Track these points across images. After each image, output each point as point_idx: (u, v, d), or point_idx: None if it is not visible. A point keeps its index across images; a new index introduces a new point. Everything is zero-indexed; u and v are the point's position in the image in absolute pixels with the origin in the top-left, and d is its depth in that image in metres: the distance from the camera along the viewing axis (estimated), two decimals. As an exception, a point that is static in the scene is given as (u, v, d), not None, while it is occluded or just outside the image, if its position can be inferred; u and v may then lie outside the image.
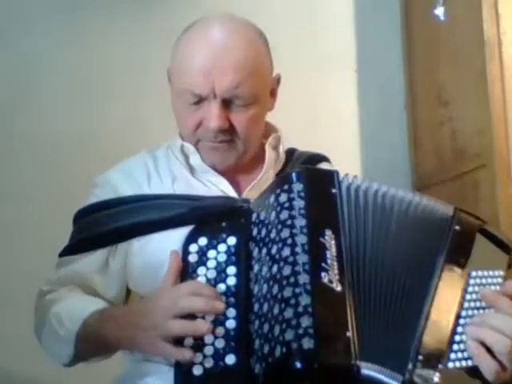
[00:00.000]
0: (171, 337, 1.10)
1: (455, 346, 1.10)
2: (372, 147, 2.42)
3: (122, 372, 1.34)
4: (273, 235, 1.11)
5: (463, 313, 1.13)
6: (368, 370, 1.03)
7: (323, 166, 1.47)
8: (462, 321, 1.12)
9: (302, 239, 1.08)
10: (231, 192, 1.35)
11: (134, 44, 2.23)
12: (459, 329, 1.11)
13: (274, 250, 1.09)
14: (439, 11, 2.19)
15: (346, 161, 2.17)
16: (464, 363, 1.09)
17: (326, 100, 2.40)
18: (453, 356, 1.09)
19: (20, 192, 2.09)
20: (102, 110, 2.19)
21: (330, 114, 2.39)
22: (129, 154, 1.48)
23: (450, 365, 1.08)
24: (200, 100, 1.31)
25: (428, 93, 2.37)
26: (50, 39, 2.20)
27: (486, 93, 2.03)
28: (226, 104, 1.31)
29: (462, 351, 1.10)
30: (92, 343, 1.25)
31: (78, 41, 2.22)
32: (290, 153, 1.47)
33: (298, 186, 1.14)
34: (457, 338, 1.11)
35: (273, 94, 1.43)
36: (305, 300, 1.02)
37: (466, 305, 1.14)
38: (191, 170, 1.38)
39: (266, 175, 1.37)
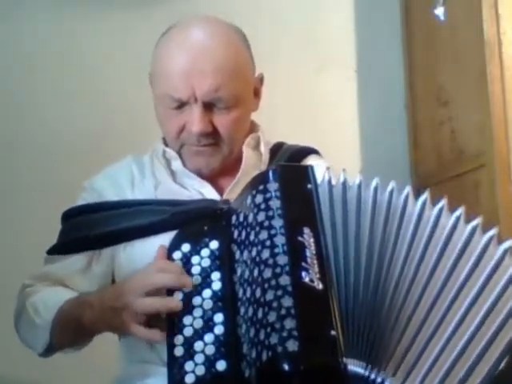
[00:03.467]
0: (143, 315, 1.12)
1: None
2: (372, 147, 2.42)
3: (121, 372, 1.34)
4: (252, 237, 1.10)
5: None
6: (355, 367, 1.04)
7: (311, 159, 1.43)
8: None
9: (280, 240, 1.07)
10: (214, 195, 1.34)
11: (134, 43, 2.23)
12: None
13: (254, 253, 1.09)
14: (439, 11, 2.19)
15: (346, 161, 2.17)
16: None
17: (325, 100, 2.39)
18: None
19: (19, 192, 2.09)
20: (102, 110, 2.19)
21: (329, 114, 2.39)
22: (129, 154, 1.47)
23: None
24: (181, 104, 1.30)
25: (428, 93, 2.36)
26: (49, 39, 2.20)
27: (486, 93, 2.03)
28: (208, 107, 1.29)
29: None
30: (68, 330, 1.27)
31: (78, 41, 2.22)
32: (277, 148, 1.44)
33: (273, 186, 1.13)
34: None
35: (256, 93, 1.39)
36: (287, 302, 1.01)
37: None
38: (173, 175, 1.38)
39: (246, 177, 1.30)
